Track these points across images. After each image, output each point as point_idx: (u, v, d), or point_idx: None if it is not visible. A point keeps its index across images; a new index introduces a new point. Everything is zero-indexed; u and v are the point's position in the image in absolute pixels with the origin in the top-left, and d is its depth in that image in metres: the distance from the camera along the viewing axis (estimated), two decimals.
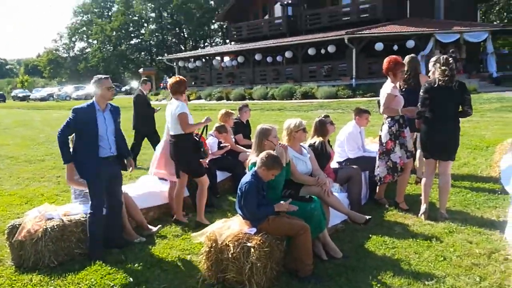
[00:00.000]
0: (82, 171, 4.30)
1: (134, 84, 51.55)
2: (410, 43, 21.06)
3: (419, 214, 5.03)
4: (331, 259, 4.05)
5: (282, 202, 3.78)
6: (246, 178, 3.81)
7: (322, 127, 5.12)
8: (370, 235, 4.56)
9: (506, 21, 38.08)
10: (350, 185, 5.20)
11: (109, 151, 4.32)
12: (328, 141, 5.16)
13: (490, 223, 4.73)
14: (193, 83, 31.70)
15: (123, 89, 52.56)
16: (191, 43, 65.85)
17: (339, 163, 5.77)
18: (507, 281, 3.46)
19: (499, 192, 5.68)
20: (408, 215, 5.12)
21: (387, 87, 5.16)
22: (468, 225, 4.68)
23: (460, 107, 4.83)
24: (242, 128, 7.26)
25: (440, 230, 4.60)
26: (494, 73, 22.10)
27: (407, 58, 5.97)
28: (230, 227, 3.72)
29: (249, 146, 6.34)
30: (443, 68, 4.74)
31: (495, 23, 34.74)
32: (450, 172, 5.09)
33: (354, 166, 5.42)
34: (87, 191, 4.45)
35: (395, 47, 21.35)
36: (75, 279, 3.89)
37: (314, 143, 4.96)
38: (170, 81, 5.21)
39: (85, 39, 72.79)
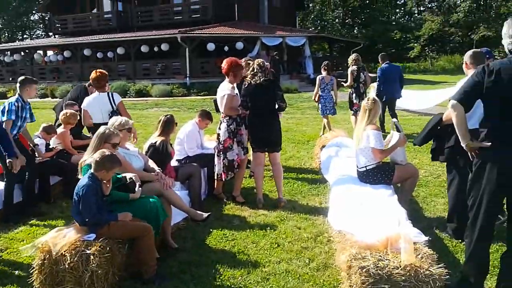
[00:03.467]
0: None
1: None
2: (239, 45, 22.19)
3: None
4: (174, 256, 4.10)
5: (128, 212, 3.70)
6: (83, 181, 3.60)
7: (169, 126, 5.11)
8: (211, 230, 4.72)
9: (319, 28, 42.79)
10: (191, 183, 5.29)
11: None
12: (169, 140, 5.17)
13: (314, 209, 5.31)
14: (10, 78, 28.23)
15: None
16: (6, 34, 58.51)
17: (178, 161, 5.81)
18: (331, 260, 3.94)
19: (320, 181, 6.40)
20: (245, 207, 5.43)
21: (226, 87, 5.39)
22: (297, 213, 5.17)
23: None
24: (74, 128, 6.79)
25: (273, 219, 5.00)
26: (311, 74, 24.59)
27: (246, 58, 6.38)
28: (66, 236, 3.47)
29: (83, 147, 5.98)
30: (250, 69, 5.40)
31: (311, 29, 38.70)
32: (279, 161, 5.64)
33: (194, 164, 5.53)
34: None
35: (226, 48, 22.33)
36: None
37: (155, 142, 4.92)
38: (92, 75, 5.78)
39: None
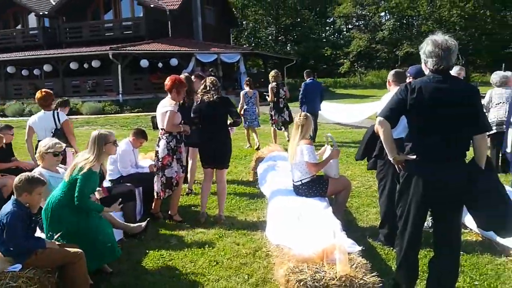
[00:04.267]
0: None
1: None
2: (174, 61, 22.03)
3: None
4: (109, 281, 3.94)
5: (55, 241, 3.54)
6: (7, 208, 3.38)
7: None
8: (147, 251, 4.58)
9: (253, 45, 43.52)
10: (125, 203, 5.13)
11: None
12: None
13: (253, 224, 5.32)
14: None
15: None
16: None
17: (111, 181, 5.62)
18: (270, 274, 3.95)
19: (257, 196, 6.44)
20: (183, 226, 5.33)
21: (168, 103, 5.32)
22: (235, 229, 5.16)
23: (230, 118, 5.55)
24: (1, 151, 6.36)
25: (212, 236, 4.96)
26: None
27: (182, 76, 6.28)
28: None
29: (7, 171, 5.64)
30: (202, 86, 5.46)
31: (245, 46, 39.26)
32: (225, 179, 5.67)
33: (128, 184, 5.37)
34: None
35: (160, 65, 22.09)
36: None
37: None
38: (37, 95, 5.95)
39: None
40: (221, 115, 5.46)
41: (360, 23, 48.91)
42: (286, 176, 5.63)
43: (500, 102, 6.96)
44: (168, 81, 5.39)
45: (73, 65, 22.89)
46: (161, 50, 22.63)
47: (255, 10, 44.58)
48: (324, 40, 49.13)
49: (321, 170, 5.12)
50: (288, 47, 47.43)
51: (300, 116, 5.06)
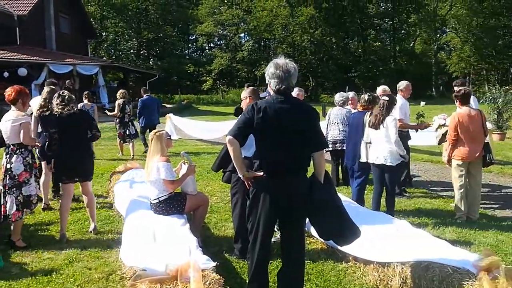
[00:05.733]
0: None
1: None
2: (23, 71, 20.17)
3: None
4: None
5: None
6: None
7: None
8: None
9: (114, 57, 41.96)
10: None
11: None
12: None
13: (107, 246, 5.05)
14: None
15: None
16: None
17: None
18: None
19: (113, 216, 6.15)
20: (27, 253, 4.85)
21: (18, 115, 4.89)
22: (88, 252, 4.85)
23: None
24: None
25: (61, 262, 4.60)
26: (106, 104, 23.78)
27: (46, 88, 6.23)
28: None
29: None
30: (59, 99, 5.26)
31: (104, 58, 37.62)
32: (91, 189, 5.58)
33: None
34: None
35: (6, 74, 19.99)
36: None
37: None
38: None
39: None
40: (83, 128, 5.38)
41: (222, 42, 50.46)
42: (143, 194, 5.50)
43: (335, 123, 7.77)
44: (11, 92, 4.98)
45: None
46: (7, 58, 20.56)
47: (115, 22, 43.04)
48: (187, 57, 49.61)
49: (179, 188, 5.12)
50: (151, 62, 46.77)
51: (154, 133, 5.02)
